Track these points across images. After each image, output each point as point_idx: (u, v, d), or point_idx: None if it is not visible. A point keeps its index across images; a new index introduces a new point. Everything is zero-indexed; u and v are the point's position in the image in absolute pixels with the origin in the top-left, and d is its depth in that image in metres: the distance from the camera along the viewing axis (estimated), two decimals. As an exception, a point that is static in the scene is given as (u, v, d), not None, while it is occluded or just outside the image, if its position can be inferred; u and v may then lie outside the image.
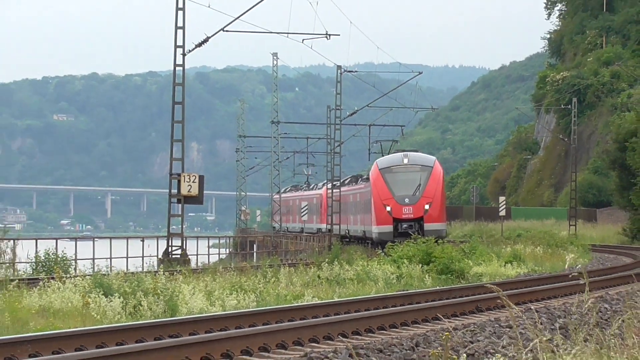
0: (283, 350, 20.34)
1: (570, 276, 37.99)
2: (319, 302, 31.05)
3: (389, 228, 74.58)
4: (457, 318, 27.49)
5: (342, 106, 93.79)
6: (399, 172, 77.17)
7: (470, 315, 28.51)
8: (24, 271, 45.70)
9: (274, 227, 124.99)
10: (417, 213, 74.73)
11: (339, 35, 76.37)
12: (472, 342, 21.17)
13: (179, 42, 61.85)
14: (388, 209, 74.90)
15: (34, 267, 46.89)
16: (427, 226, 73.64)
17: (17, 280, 32.41)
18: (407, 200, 75.11)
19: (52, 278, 32.49)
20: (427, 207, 74.67)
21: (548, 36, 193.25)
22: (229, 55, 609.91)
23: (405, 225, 74.07)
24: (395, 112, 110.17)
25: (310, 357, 18.79)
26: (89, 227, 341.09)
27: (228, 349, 19.27)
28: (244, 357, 19.46)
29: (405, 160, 77.50)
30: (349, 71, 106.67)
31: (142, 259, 55.48)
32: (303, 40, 76.52)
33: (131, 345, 18.90)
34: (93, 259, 49.95)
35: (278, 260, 48.34)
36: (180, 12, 62.01)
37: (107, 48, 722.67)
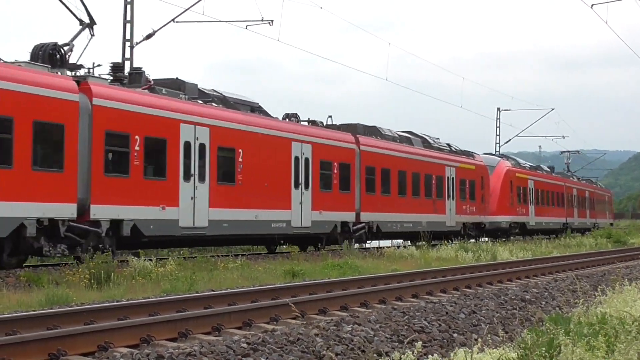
0: (543, 276, 19.91)
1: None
2: (559, 255, 30.20)
3: None
4: (623, 262, 26.35)
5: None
6: None
7: (629, 260, 27.25)
8: (425, 240, 45.70)
9: None
10: None
11: (569, 136, 75.96)
12: (630, 273, 20.37)
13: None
14: None
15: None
16: None
17: (426, 245, 32.65)
18: None
19: (441, 244, 32.44)
20: None
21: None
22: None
23: None
24: (595, 172, 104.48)
25: (555, 278, 18.48)
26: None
27: (519, 276, 19.02)
28: (532, 278, 19.01)
29: None
30: (575, 151, 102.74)
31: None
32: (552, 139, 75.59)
33: (475, 274, 19.06)
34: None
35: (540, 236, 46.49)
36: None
37: None
